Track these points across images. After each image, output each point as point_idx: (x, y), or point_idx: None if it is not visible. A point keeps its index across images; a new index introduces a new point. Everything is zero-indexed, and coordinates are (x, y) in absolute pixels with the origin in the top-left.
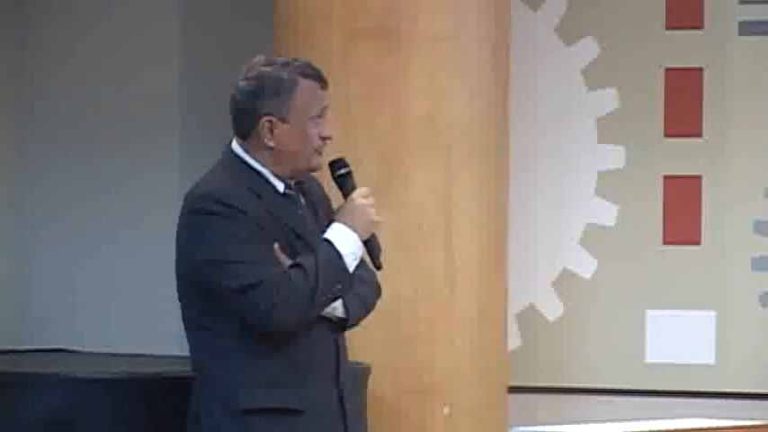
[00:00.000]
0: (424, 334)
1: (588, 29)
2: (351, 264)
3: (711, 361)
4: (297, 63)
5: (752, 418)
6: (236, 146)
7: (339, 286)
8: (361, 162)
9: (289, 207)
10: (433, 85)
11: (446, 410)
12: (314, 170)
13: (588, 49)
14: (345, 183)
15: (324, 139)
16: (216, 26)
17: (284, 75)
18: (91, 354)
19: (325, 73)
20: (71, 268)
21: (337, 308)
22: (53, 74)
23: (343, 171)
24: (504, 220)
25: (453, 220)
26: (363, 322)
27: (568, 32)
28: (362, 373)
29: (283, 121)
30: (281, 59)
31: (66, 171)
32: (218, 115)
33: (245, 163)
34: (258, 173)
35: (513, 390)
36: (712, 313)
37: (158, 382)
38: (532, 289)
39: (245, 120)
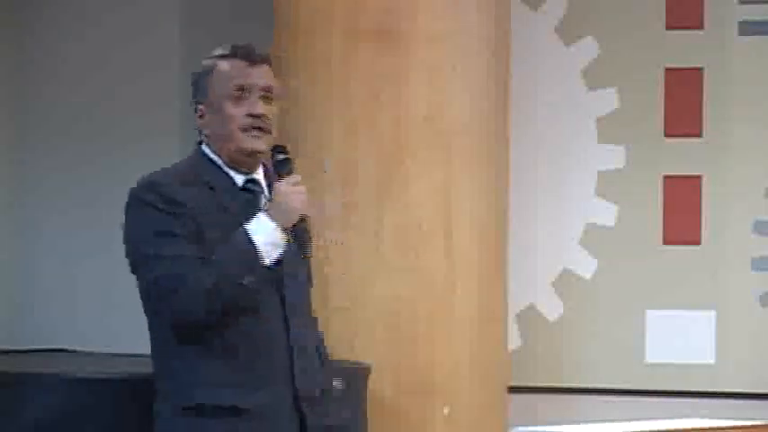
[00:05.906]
0: (424, 334)
1: (588, 29)
2: (268, 253)
3: (711, 361)
4: (229, 48)
5: (752, 418)
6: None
7: (251, 277)
8: (361, 162)
9: (246, 202)
10: (433, 85)
11: (446, 410)
12: (250, 152)
13: (588, 49)
14: (281, 169)
15: (254, 116)
16: (216, 26)
17: (207, 61)
18: (91, 354)
19: (323, 72)
20: (71, 268)
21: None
22: (53, 74)
23: (278, 158)
24: (504, 220)
25: (453, 220)
26: (364, 321)
27: (568, 32)
28: (362, 373)
29: (207, 105)
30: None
31: (65, 171)
32: None
33: (206, 155)
34: (216, 165)
35: (513, 390)
36: (712, 313)
37: None
38: (532, 289)
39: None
